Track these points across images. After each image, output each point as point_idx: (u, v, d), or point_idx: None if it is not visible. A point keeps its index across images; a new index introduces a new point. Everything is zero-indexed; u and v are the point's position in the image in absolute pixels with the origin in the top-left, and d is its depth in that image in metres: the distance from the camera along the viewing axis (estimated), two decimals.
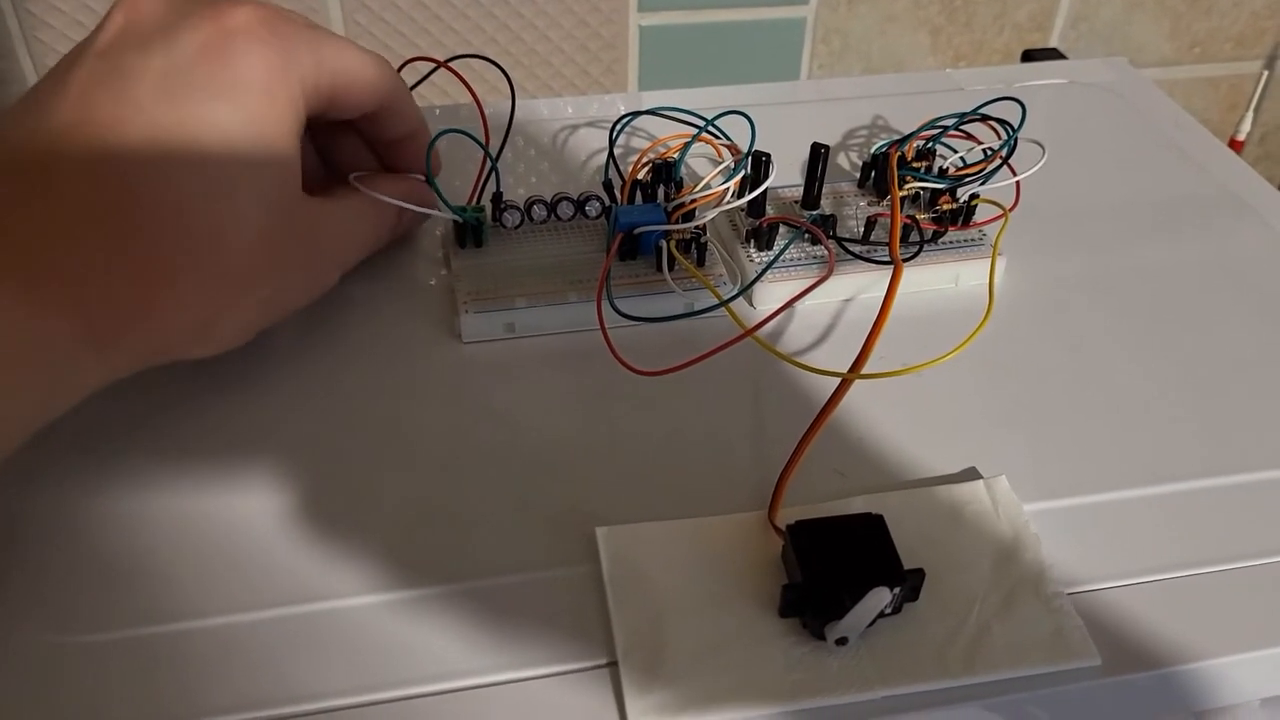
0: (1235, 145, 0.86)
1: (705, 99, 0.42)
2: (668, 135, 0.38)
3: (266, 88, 0.27)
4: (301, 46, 0.28)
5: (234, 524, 0.27)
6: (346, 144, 0.34)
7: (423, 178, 0.34)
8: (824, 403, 0.27)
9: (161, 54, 0.26)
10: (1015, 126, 0.37)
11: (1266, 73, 0.86)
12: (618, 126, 0.39)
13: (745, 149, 0.36)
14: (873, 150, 0.39)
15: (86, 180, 0.25)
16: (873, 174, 0.38)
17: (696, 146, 0.37)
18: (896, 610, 0.25)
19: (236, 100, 0.26)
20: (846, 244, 0.35)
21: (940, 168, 0.37)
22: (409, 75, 0.34)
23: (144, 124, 0.25)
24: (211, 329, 0.28)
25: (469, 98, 0.37)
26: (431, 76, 0.37)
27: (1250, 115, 0.86)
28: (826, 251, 0.35)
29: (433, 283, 0.35)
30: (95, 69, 0.26)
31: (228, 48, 0.26)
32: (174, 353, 0.28)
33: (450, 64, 0.36)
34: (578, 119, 0.44)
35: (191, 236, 0.26)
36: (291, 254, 0.29)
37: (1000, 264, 0.35)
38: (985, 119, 0.39)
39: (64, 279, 0.24)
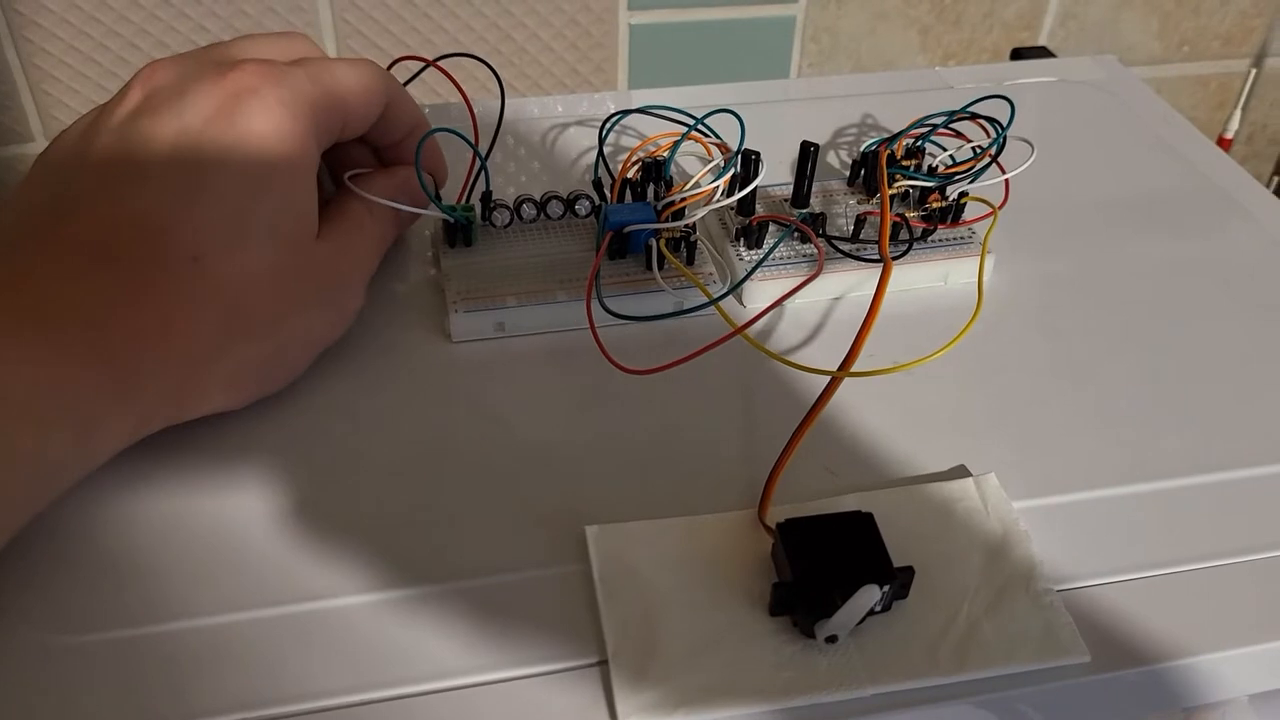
0: (1223, 143, 0.87)
1: (695, 97, 0.42)
2: (657, 134, 0.38)
3: (277, 140, 0.28)
4: (306, 87, 0.29)
5: (225, 524, 0.27)
6: (349, 150, 0.34)
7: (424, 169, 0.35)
8: (814, 401, 0.27)
9: (174, 119, 0.27)
10: (1004, 124, 0.38)
11: (1254, 71, 0.87)
12: (607, 125, 0.39)
13: (735, 147, 0.36)
14: (862, 148, 0.39)
15: (105, 232, 0.26)
16: (862, 172, 0.38)
17: (686, 145, 0.37)
18: (886, 608, 0.25)
19: (249, 155, 0.27)
20: (836, 242, 0.35)
21: (929, 166, 0.37)
22: (398, 74, 0.34)
23: (160, 182, 0.27)
24: (239, 374, 0.28)
25: (458, 96, 0.37)
26: (421, 75, 0.37)
27: (1238, 113, 0.86)
28: (816, 250, 0.35)
29: (415, 287, 0.35)
30: (112, 141, 0.27)
31: (236, 109, 0.27)
32: (202, 401, 0.28)
33: (439, 63, 0.36)
34: (567, 118, 0.44)
35: (207, 284, 0.27)
36: (310, 294, 0.30)
37: (989, 262, 0.35)
38: (974, 117, 0.39)
39: (84, 325, 0.25)
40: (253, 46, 0.30)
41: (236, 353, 0.28)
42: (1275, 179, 0.95)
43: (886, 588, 0.24)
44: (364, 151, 0.34)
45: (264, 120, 0.28)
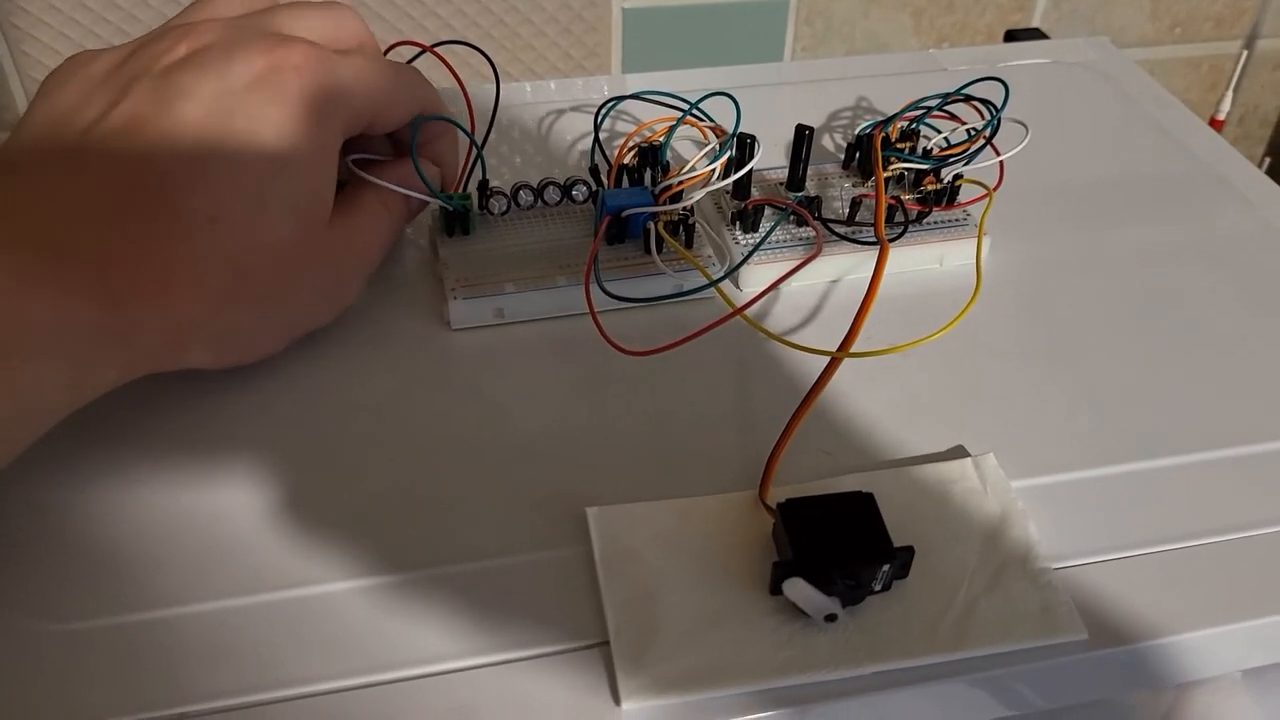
0: (1215, 125, 0.87)
1: (689, 81, 0.42)
2: (652, 119, 0.38)
3: (310, 122, 0.28)
4: (347, 80, 0.29)
5: (223, 511, 0.28)
6: (369, 139, 0.34)
7: (452, 169, 0.35)
8: (813, 382, 0.28)
9: (216, 78, 0.27)
10: (998, 106, 0.38)
11: (1246, 52, 0.87)
12: (602, 111, 0.39)
13: (730, 131, 0.36)
14: (857, 131, 0.39)
15: (125, 174, 0.26)
16: (857, 155, 0.39)
17: (682, 129, 0.37)
18: (886, 587, 0.26)
19: (281, 129, 0.28)
20: (832, 225, 0.35)
21: (924, 148, 0.38)
22: (398, 55, 0.34)
23: (190, 135, 0.27)
24: (226, 337, 0.29)
25: (451, 83, 0.37)
26: (414, 62, 0.37)
27: (1230, 95, 0.87)
28: (814, 232, 0.35)
29: (413, 275, 0.35)
30: (151, 87, 0.27)
31: (279, 81, 0.28)
32: (187, 355, 0.28)
33: (436, 49, 0.36)
34: (562, 103, 0.44)
35: (218, 245, 0.27)
36: (312, 277, 0.30)
37: (985, 243, 0.35)
38: (968, 99, 0.39)
39: (91, 260, 0.25)
40: (304, 21, 0.30)
41: (231, 318, 0.28)
42: (1267, 160, 0.95)
43: (887, 567, 0.25)
44: (383, 142, 0.34)
45: (301, 101, 0.28)
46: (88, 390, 0.26)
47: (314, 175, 0.29)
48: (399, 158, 0.34)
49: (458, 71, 0.36)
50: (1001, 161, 0.37)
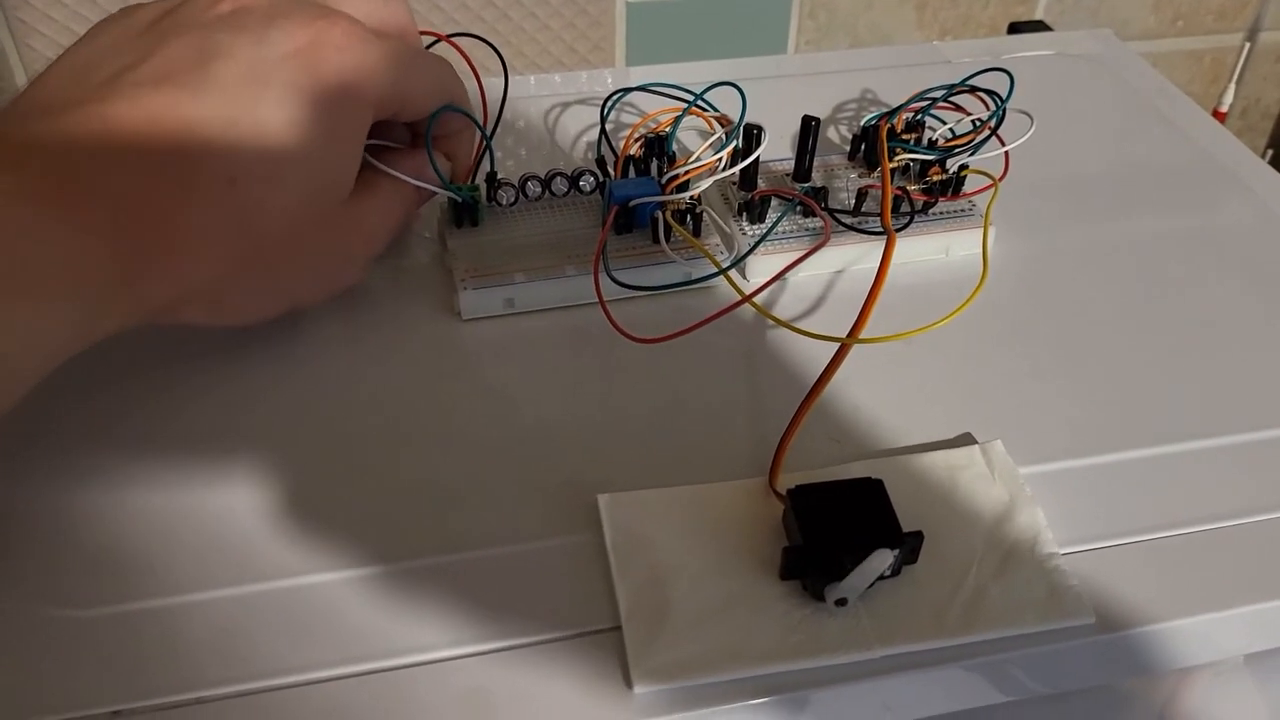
0: (1218, 117, 0.87)
1: (693, 74, 0.42)
2: (657, 110, 0.39)
3: (342, 100, 0.28)
4: (385, 63, 0.29)
5: (235, 501, 0.28)
6: (390, 126, 0.34)
7: (464, 165, 0.35)
8: (821, 370, 0.28)
9: (255, 43, 0.27)
10: (1003, 97, 0.38)
11: (1248, 45, 0.87)
12: (609, 102, 0.40)
13: (736, 121, 0.36)
14: (862, 123, 0.39)
15: (149, 125, 0.26)
16: (863, 146, 0.39)
17: (688, 120, 0.38)
18: (895, 572, 0.26)
19: (312, 103, 0.28)
20: (838, 215, 0.36)
21: (930, 139, 0.38)
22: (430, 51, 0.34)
23: (220, 94, 0.27)
24: (222, 296, 0.29)
25: (466, 73, 0.37)
26: None
27: (1232, 87, 0.87)
28: (821, 222, 0.35)
29: (422, 266, 0.36)
30: (190, 41, 0.27)
31: (317, 55, 0.28)
32: (184, 309, 0.28)
33: (453, 39, 0.36)
34: (567, 96, 0.44)
35: (231, 203, 0.27)
36: (319, 252, 0.30)
37: (990, 233, 0.35)
38: (973, 90, 0.39)
39: (107, 205, 0.25)
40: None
41: (233, 279, 0.28)
42: (1269, 152, 0.95)
43: (896, 552, 0.25)
44: (401, 129, 0.34)
45: (336, 79, 0.28)
46: (91, 334, 0.25)
47: (337, 153, 0.29)
48: (414, 146, 0.34)
49: (459, 65, 0.37)
50: (1007, 152, 0.37)
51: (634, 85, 0.40)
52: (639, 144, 0.36)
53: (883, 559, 0.24)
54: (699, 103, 0.38)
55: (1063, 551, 0.27)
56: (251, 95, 0.27)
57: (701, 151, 0.36)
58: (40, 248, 0.24)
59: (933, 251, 0.36)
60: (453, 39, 0.36)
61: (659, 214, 0.34)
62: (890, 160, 0.36)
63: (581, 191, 0.36)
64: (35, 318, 0.24)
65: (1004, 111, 0.38)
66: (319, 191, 0.29)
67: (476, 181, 0.35)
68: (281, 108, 0.27)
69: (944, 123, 0.38)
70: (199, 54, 0.27)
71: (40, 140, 0.25)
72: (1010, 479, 0.28)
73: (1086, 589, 0.26)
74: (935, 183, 0.36)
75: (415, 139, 0.35)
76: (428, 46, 0.36)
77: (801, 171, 0.37)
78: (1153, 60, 0.49)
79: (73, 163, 0.25)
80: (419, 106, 0.32)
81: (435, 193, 0.34)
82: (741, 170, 0.36)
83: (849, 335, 0.28)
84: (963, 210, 0.37)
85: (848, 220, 0.35)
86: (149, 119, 0.26)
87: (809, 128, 0.36)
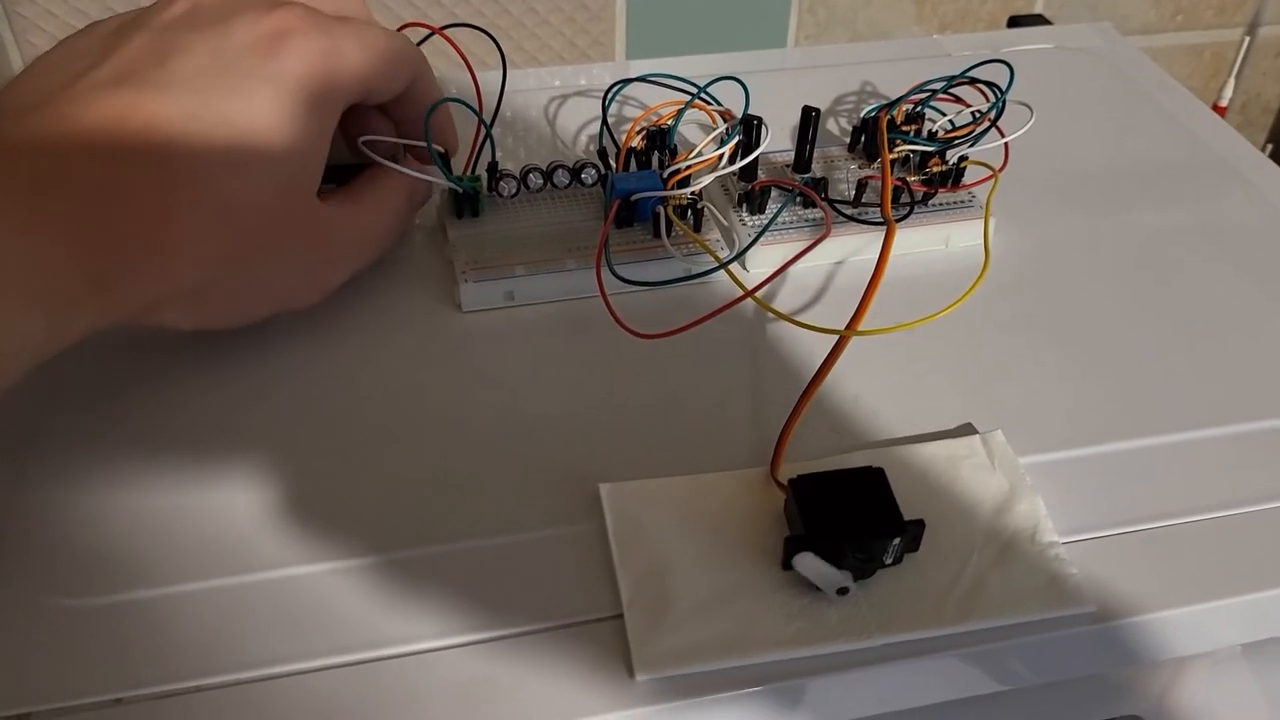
0: (1218, 111, 0.87)
1: (694, 67, 0.42)
2: (659, 103, 0.39)
3: (306, 89, 0.28)
4: (347, 46, 0.29)
5: (238, 492, 0.28)
6: (369, 118, 0.34)
7: (438, 149, 0.35)
8: (821, 361, 0.28)
9: (214, 38, 0.27)
10: (1003, 89, 0.38)
11: (1248, 39, 0.87)
12: (610, 94, 0.40)
13: (738, 115, 0.37)
14: (862, 114, 0.39)
15: (111, 123, 0.26)
16: (863, 138, 0.39)
17: (689, 113, 0.38)
18: (897, 561, 0.26)
19: (275, 93, 0.27)
20: (838, 206, 0.36)
21: (929, 131, 0.38)
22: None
23: (179, 91, 0.27)
24: (203, 298, 0.28)
25: (454, 69, 0.37)
26: (422, 44, 0.37)
27: (1232, 82, 0.87)
28: (822, 213, 0.35)
29: (423, 258, 0.36)
30: (148, 41, 0.27)
31: (277, 45, 0.28)
32: (164, 312, 0.28)
33: (446, 31, 0.36)
34: (568, 89, 0.44)
35: (200, 198, 0.27)
36: (293, 247, 0.30)
37: (990, 224, 0.35)
38: (973, 82, 0.39)
39: (71, 204, 0.25)
40: None
41: (207, 276, 0.28)
42: (1269, 146, 0.95)
43: (897, 540, 0.25)
44: (384, 122, 0.34)
45: (297, 63, 0.28)
46: (64, 336, 0.25)
47: (306, 142, 0.29)
48: (400, 135, 0.34)
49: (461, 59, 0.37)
50: (1006, 143, 0.37)
51: (635, 76, 0.40)
52: (641, 136, 0.36)
53: (808, 563, 0.25)
54: (701, 96, 0.38)
55: (1063, 541, 0.27)
56: (213, 88, 0.27)
57: (704, 146, 0.36)
58: (6, 252, 0.23)
59: (933, 243, 0.36)
60: (447, 31, 0.36)
61: (660, 209, 0.34)
62: (890, 151, 0.36)
63: (583, 184, 0.36)
64: (3, 318, 0.23)
65: (1004, 103, 0.38)
66: (290, 182, 0.28)
67: (478, 172, 0.35)
68: (244, 99, 0.27)
69: (944, 114, 0.38)
70: (157, 52, 0.27)
71: (12, 140, 0.25)
72: (1010, 468, 0.28)
73: (1086, 578, 0.26)
74: (935, 174, 0.36)
75: (398, 126, 0.34)
76: (420, 41, 0.37)
77: (802, 163, 0.37)
78: (1152, 55, 0.49)
79: (33, 167, 0.25)
80: (386, 85, 0.31)
81: (432, 195, 0.34)
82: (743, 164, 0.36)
83: (848, 327, 0.28)
84: (962, 201, 0.37)
85: (848, 211, 0.35)
86: (110, 118, 0.26)
87: (809, 118, 0.36)
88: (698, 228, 0.35)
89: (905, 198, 0.36)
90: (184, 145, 0.26)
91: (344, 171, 0.35)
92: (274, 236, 0.29)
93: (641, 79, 0.40)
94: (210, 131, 0.27)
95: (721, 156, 0.36)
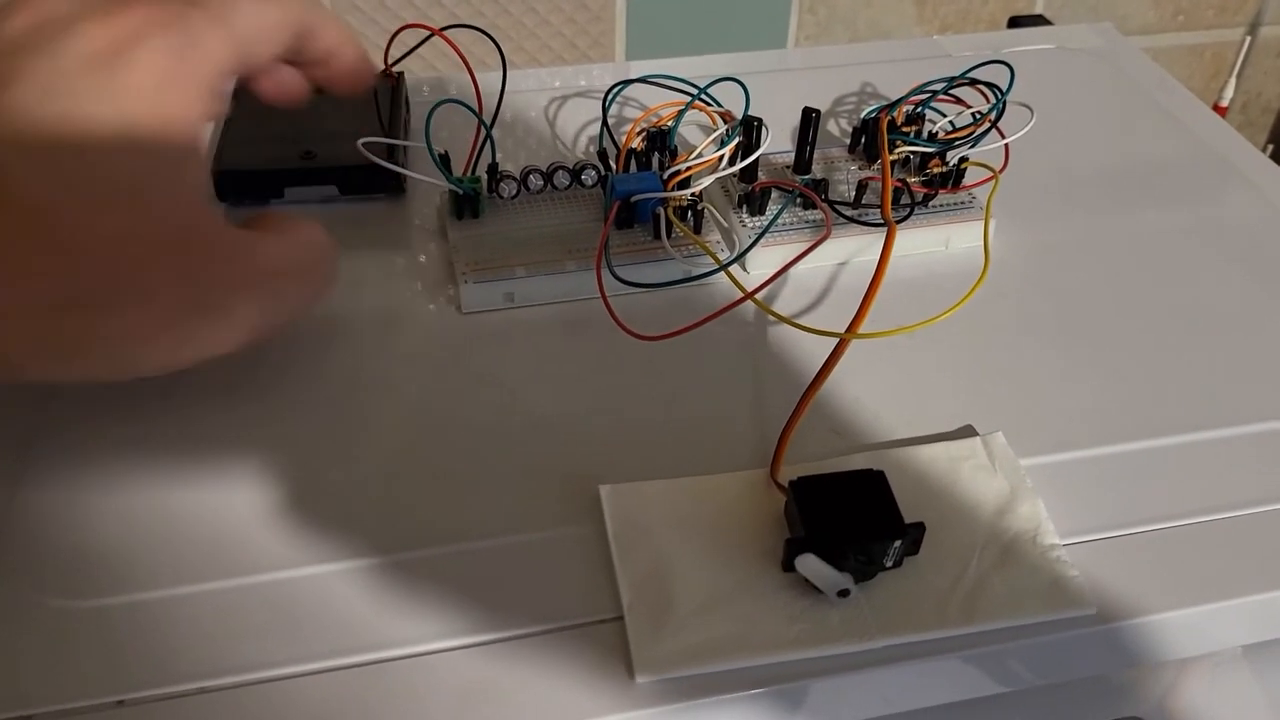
0: (1219, 112, 0.87)
1: (694, 68, 0.42)
2: (659, 104, 0.39)
3: (156, 95, 0.25)
4: (201, 32, 0.26)
5: (237, 494, 0.28)
6: (279, 71, 0.31)
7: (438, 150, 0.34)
8: (822, 363, 0.28)
9: (49, 60, 0.24)
10: (1003, 90, 0.38)
11: (1249, 39, 0.87)
12: (610, 95, 0.40)
13: (738, 116, 0.36)
14: (863, 115, 0.39)
15: None
16: (863, 139, 0.39)
17: (689, 114, 0.38)
18: (898, 563, 0.26)
19: (122, 109, 0.25)
20: (838, 207, 0.36)
21: (930, 132, 0.38)
22: (401, 43, 0.34)
23: (19, 123, 0.24)
24: (75, 346, 0.25)
25: (454, 71, 0.37)
26: (419, 50, 0.37)
27: (1233, 82, 0.87)
28: (822, 215, 0.35)
29: (423, 259, 0.36)
30: None
31: (117, 58, 0.25)
32: (24, 365, 0.25)
33: (445, 33, 0.36)
34: (568, 90, 0.44)
35: (48, 235, 0.24)
36: (171, 276, 0.25)
37: (990, 225, 0.35)
38: (974, 83, 0.39)
39: None
40: None
41: (66, 322, 0.24)
42: (1270, 146, 0.95)
43: (898, 543, 0.25)
44: (293, 74, 0.32)
45: (145, 73, 0.25)
46: None
47: (167, 155, 0.26)
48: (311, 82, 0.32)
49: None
50: (1007, 144, 0.37)
51: (635, 77, 0.40)
52: (641, 137, 0.36)
53: (809, 564, 0.24)
54: (701, 97, 0.38)
55: (1064, 542, 0.27)
56: (52, 115, 0.24)
57: (704, 147, 0.36)
58: None
59: (933, 244, 0.36)
60: (447, 32, 0.36)
61: (660, 210, 0.34)
62: (890, 153, 0.36)
63: (583, 185, 0.36)
64: None
65: (1004, 104, 0.38)
66: (157, 200, 0.25)
67: (478, 174, 0.35)
68: (88, 122, 0.24)
69: (944, 115, 0.38)
70: None
71: None
72: (1011, 470, 0.28)
73: (1088, 579, 0.26)
74: (935, 175, 0.36)
75: (310, 80, 0.32)
76: (419, 43, 0.36)
77: (802, 164, 0.37)
78: (1153, 55, 0.49)
79: None
80: (263, 51, 0.29)
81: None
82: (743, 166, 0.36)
83: (847, 330, 0.28)
84: (963, 203, 0.37)
85: (848, 212, 0.35)
86: None
87: (809, 119, 0.36)
88: (698, 229, 0.35)
89: (905, 199, 0.36)
90: (25, 179, 0.24)
91: (344, 173, 0.35)
92: (140, 268, 0.25)
93: (642, 80, 0.40)
94: (50, 165, 0.24)
95: (722, 158, 0.36)
